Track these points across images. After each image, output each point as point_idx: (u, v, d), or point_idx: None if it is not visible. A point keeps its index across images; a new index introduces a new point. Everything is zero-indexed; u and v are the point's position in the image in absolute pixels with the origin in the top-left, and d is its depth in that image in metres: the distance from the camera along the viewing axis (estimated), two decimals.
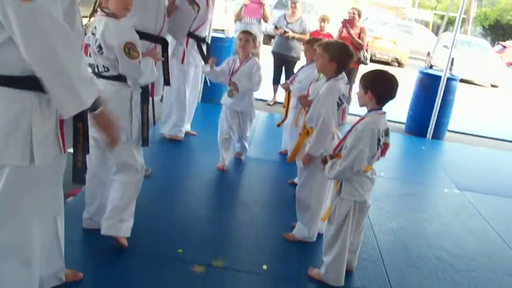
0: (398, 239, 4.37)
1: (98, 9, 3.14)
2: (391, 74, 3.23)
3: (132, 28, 3.28)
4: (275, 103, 8.88)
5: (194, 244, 3.75)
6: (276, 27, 8.49)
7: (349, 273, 3.54)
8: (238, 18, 8.53)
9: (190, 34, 5.60)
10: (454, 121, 8.82)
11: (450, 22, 24.30)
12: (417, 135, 8.34)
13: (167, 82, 4.77)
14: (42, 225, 2.43)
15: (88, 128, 2.34)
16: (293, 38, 8.29)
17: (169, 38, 4.90)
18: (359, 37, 7.82)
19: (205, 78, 6.33)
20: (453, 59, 8.72)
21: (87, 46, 3.20)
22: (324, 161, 3.34)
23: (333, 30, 8.35)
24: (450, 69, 8.38)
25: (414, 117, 8.55)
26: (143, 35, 3.89)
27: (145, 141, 3.43)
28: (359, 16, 8.10)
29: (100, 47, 3.10)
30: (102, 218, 3.47)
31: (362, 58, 7.83)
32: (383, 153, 3.30)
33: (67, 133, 2.33)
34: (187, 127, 6.26)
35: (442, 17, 33.18)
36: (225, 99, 5.22)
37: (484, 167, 7.27)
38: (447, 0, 28.17)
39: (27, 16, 1.93)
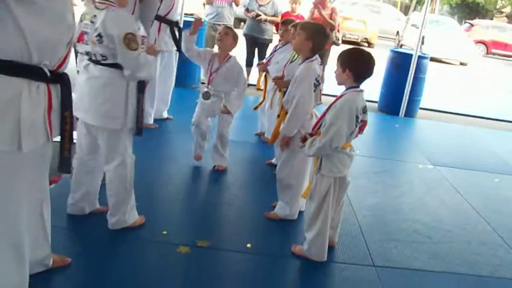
0: (376, 214, 4.47)
1: None
2: (368, 52, 3.30)
3: (133, 18, 3.29)
4: (249, 85, 8.90)
5: (177, 226, 3.80)
6: (247, 10, 8.48)
7: (331, 248, 3.63)
8: (209, 1, 8.48)
9: (162, 19, 5.56)
10: (426, 99, 8.96)
11: (418, 1, 24.55)
12: (390, 113, 8.48)
13: None
14: (29, 210, 2.45)
15: (73, 118, 2.40)
16: (265, 21, 8.30)
17: None
18: (330, 18, 7.87)
19: (178, 62, 6.32)
20: (423, 37, 8.83)
21: (83, 33, 3.19)
22: (304, 140, 3.40)
23: (304, 11, 8.38)
24: (420, 48, 8.49)
25: (387, 95, 8.68)
26: None
27: (139, 131, 3.43)
28: None
29: (100, 35, 3.08)
30: (107, 215, 3.52)
31: (334, 38, 7.89)
32: (361, 130, 3.37)
33: (54, 122, 2.35)
34: (164, 113, 6.27)
35: None
36: (201, 101, 4.79)
37: (456, 143, 7.45)
38: None
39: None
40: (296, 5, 8.04)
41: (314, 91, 3.73)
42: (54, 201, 2.82)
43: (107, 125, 3.29)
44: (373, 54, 3.28)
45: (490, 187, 5.68)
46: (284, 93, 3.93)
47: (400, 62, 8.48)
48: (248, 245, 3.62)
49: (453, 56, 18.97)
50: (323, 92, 3.97)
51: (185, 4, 7.68)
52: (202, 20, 8.59)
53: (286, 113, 3.82)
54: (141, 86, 3.35)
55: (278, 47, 5.64)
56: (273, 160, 5.11)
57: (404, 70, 8.32)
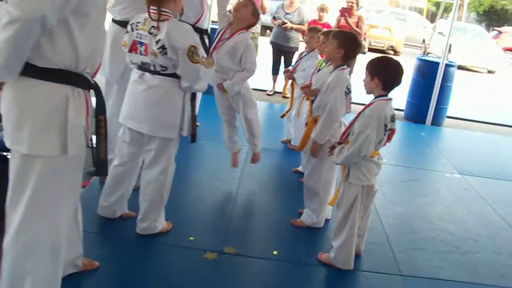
0: (403, 223, 4.45)
1: (153, 9, 3.15)
2: (396, 61, 3.30)
3: (194, 31, 3.36)
4: (275, 93, 8.94)
5: (204, 232, 3.83)
6: (274, 18, 8.53)
7: (357, 256, 3.62)
8: None
9: (192, 27, 5.60)
10: (453, 107, 8.89)
11: (444, 9, 24.34)
12: (416, 121, 8.42)
13: None
14: (67, 214, 2.52)
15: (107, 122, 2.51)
16: (291, 28, 8.33)
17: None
18: (357, 26, 7.85)
19: None
20: (450, 45, 8.77)
21: (135, 43, 3.22)
22: (332, 148, 3.41)
23: (331, 19, 8.39)
24: (447, 56, 8.43)
25: (413, 104, 8.62)
26: None
27: (193, 137, 3.50)
28: (357, 4, 8.13)
29: (163, 47, 3.12)
30: (137, 219, 3.57)
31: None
32: (389, 138, 3.37)
33: (91, 126, 2.45)
34: None
35: (435, 3, 33.23)
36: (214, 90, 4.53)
37: (483, 152, 7.36)
38: None
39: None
40: (323, 13, 8.05)
41: (345, 99, 3.75)
42: (82, 206, 2.87)
43: (164, 135, 3.35)
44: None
45: None
46: (312, 101, 3.94)
47: (427, 70, 8.43)
48: (275, 252, 3.63)
49: (481, 64, 18.74)
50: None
51: (212, 12, 7.75)
52: None
53: (315, 120, 3.83)
54: (194, 94, 3.43)
55: (303, 54, 5.66)
56: (299, 168, 5.12)
57: (430, 78, 8.26)
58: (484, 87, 15.17)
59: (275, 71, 8.82)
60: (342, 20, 7.90)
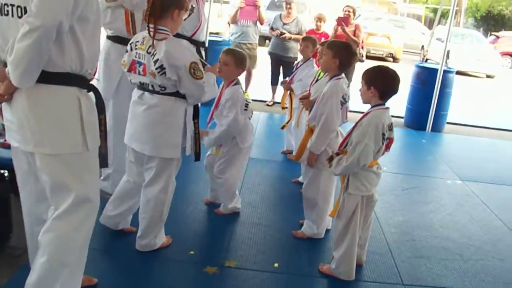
0: (404, 231, 4.43)
1: (150, 27, 3.07)
2: (393, 70, 3.30)
3: (192, 47, 3.34)
4: (274, 103, 8.94)
5: (204, 246, 3.81)
6: (272, 28, 8.54)
7: (359, 267, 3.61)
8: (234, 21, 8.52)
9: (189, 40, 5.60)
10: (453, 113, 8.89)
11: (442, 15, 24.40)
12: (416, 128, 8.42)
13: None
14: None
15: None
16: (289, 39, 8.34)
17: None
18: (354, 35, 7.86)
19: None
20: (448, 51, 8.78)
21: (134, 62, 3.20)
22: (330, 159, 3.40)
23: (329, 29, 8.40)
24: (446, 62, 8.44)
25: (413, 110, 8.62)
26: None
27: (197, 156, 3.47)
28: (354, 13, 8.15)
29: (162, 67, 3.06)
30: (137, 236, 3.54)
31: (358, 55, 7.88)
32: (387, 147, 3.36)
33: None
34: None
35: (433, 10, 33.28)
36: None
37: (484, 157, 7.34)
38: None
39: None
40: (321, 23, 8.05)
41: (341, 108, 3.74)
42: None
43: (166, 155, 3.32)
44: (398, 69, 3.29)
45: None
46: (310, 111, 3.94)
47: (426, 77, 8.43)
48: (276, 265, 3.61)
49: (480, 69, 18.76)
50: (349, 109, 3.98)
51: (210, 23, 7.77)
52: (228, 39, 8.72)
53: (312, 130, 3.82)
54: (196, 111, 3.40)
55: (299, 64, 5.66)
56: (300, 178, 5.11)
57: (430, 85, 8.27)
58: (484, 92, 15.17)
59: (274, 82, 8.82)
60: (339, 30, 7.91)
